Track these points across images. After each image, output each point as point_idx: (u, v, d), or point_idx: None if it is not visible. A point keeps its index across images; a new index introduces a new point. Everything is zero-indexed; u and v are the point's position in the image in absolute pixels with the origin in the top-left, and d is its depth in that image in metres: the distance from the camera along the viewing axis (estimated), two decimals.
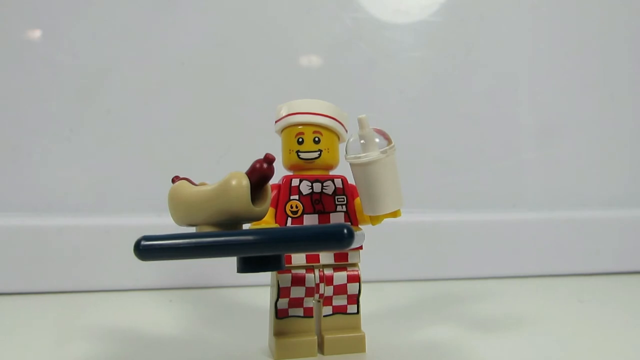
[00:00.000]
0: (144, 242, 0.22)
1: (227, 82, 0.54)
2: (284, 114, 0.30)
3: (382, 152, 0.26)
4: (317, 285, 0.29)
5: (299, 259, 0.29)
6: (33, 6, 0.52)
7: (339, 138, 0.30)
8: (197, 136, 0.53)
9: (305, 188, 0.29)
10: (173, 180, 0.26)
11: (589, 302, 0.43)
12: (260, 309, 0.36)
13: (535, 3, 0.60)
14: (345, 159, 0.27)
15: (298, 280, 0.29)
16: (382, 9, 0.57)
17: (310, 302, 0.29)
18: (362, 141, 0.27)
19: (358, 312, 0.30)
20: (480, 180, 0.57)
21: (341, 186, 0.30)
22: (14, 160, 0.51)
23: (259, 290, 0.34)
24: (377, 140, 0.27)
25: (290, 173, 0.30)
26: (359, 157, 0.27)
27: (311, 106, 0.29)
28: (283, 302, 0.29)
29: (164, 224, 0.27)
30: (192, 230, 0.25)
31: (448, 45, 0.58)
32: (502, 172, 0.58)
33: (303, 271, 0.29)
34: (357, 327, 0.30)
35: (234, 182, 0.23)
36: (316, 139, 0.29)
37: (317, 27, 0.56)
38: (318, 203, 0.29)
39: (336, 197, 0.29)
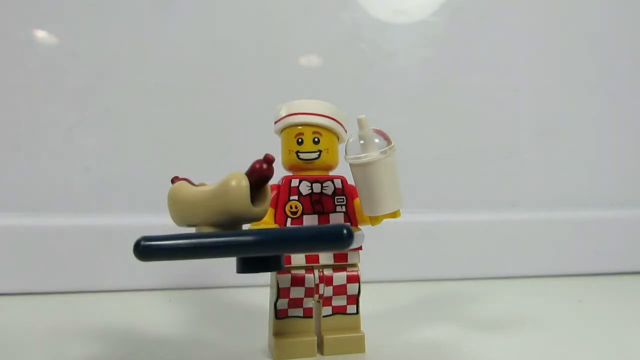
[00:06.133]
0: (143, 243, 0.22)
1: (226, 81, 0.54)
2: (283, 115, 0.30)
3: (382, 153, 0.26)
4: (317, 285, 0.29)
5: (298, 259, 0.29)
6: (33, 6, 0.52)
7: (338, 138, 0.30)
8: (197, 136, 0.53)
9: (304, 188, 0.29)
10: (172, 181, 0.26)
11: (589, 302, 0.43)
12: (260, 309, 0.36)
13: (535, 3, 0.60)
14: (345, 159, 0.27)
15: (298, 281, 0.29)
16: (382, 9, 0.57)
17: (309, 303, 0.29)
18: (361, 142, 0.27)
19: (357, 312, 0.30)
20: (480, 180, 0.57)
21: (340, 186, 0.30)
22: (13, 160, 0.51)
23: (258, 291, 0.34)
24: (376, 140, 0.27)
25: (290, 173, 0.30)
26: (359, 158, 0.27)
27: (310, 106, 0.29)
28: (283, 303, 0.29)
29: (164, 224, 0.27)
30: (192, 230, 0.25)
31: (448, 45, 0.58)
32: (502, 172, 0.58)
33: (302, 271, 0.29)
34: (356, 328, 0.30)
35: (233, 183, 0.23)
36: (316, 140, 0.29)
37: (317, 27, 0.56)
38: (317, 203, 0.29)
39: (336, 197, 0.29)
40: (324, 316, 0.30)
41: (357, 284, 0.30)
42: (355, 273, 0.30)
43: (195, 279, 0.48)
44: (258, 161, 0.24)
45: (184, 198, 0.25)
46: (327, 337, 0.29)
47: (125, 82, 0.53)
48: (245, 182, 0.23)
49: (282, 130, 0.30)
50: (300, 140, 0.29)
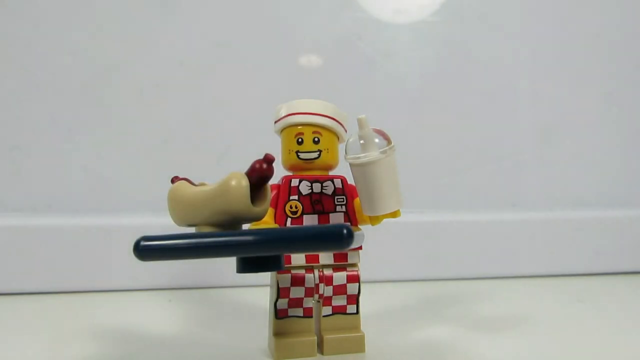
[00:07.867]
0: (143, 243, 0.22)
1: (226, 82, 0.54)
2: (283, 114, 0.30)
3: (382, 152, 0.26)
4: (317, 285, 0.29)
5: (298, 259, 0.29)
6: (33, 6, 0.52)
7: (338, 138, 0.30)
8: (197, 136, 0.53)
9: (304, 188, 0.29)
10: (172, 181, 0.26)
11: (589, 302, 0.43)
12: (260, 309, 0.36)
13: (534, 3, 0.60)
14: (345, 159, 0.27)
15: (297, 281, 0.29)
16: (382, 9, 0.57)
17: (309, 302, 0.29)
18: (361, 141, 0.27)
19: (357, 312, 0.30)
20: (480, 180, 0.57)
21: (341, 186, 0.30)
22: (13, 160, 0.51)
23: (258, 291, 0.34)
24: (376, 140, 0.27)
25: (290, 173, 0.30)
26: (359, 158, 0.27)
27: (311, 106, 0.29)
28: (283, 302, 0.29)
29: (164, 224, 0.27)
30: (192, 230, 0.25)
31: (448, 45, 0.58)
32: (502, 172, 0.58)
33: (302, 271, 0.29)
34: (356, 327, 0.30)
35: (233, 183, 0.23)
36: (316, 139, 0.29)
37: (317, 26, 0.56)
38: (317, 203, 0.29)
39: (336, 197, 0.29)
40: (324, 316, 0.30)
41: (357, 284, 0.30)
42: (355, 273, 0.30)
43: (195, 279, 0.48)
44: (258, 161, 0.24)
45: (183, 198, 0.25)
46: (327, 337, 0.29)
47: (125, 82, 0.53)
48: (245, 182, 0.23)
49: (282, 130, 0.30)
50: (300, 140, 0.29)
